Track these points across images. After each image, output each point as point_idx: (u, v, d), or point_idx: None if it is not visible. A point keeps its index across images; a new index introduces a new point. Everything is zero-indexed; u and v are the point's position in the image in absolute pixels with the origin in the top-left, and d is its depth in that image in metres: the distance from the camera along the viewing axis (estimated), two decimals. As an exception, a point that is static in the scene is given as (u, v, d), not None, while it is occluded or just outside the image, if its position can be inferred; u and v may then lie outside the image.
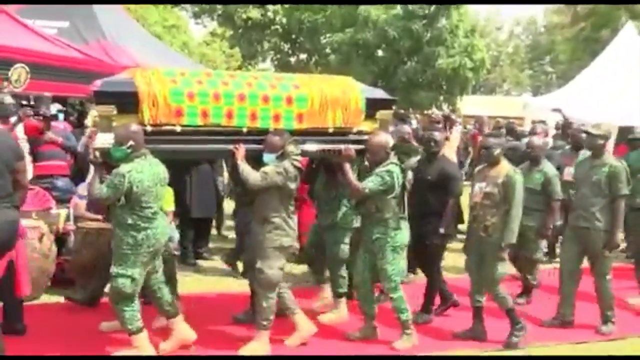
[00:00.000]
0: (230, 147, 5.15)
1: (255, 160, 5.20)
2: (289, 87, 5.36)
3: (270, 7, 27.62)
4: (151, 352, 4.97)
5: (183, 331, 5.19)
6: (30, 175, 6.78)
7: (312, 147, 5.34)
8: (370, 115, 5.61)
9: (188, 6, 28.97)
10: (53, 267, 6.26)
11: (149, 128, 4.85)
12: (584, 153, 6.33)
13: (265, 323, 5.23)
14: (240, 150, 5.15)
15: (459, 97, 23.18)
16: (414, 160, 5.90)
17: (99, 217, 6.22)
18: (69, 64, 8.70)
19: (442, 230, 5.93)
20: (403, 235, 5.49)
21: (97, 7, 10.97)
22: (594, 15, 27.17)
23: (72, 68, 7.96)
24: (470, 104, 23.42)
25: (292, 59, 29.07)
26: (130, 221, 4.75)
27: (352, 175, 5.42)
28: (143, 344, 4.95)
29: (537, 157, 6.71)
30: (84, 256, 5.95)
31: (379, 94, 5.94)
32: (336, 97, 5.44)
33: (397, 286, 5.49)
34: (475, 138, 11.44)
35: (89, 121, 5.21)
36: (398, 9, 23.24)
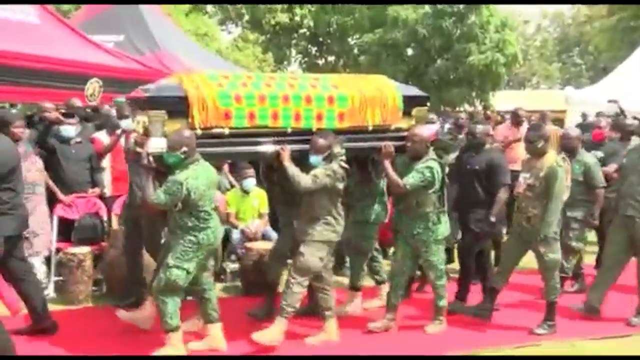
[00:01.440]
0: (277, 148, 5.27)
1: (299, 161, 5.33)
2: (329, 87, 5.54)
3: (297, 10, 27.81)
4: (183, 353, 5.05)
5: (217, 339, 5.28)
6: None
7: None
8: (406, 112, 5.77)
9: (213, 12, 29.24)
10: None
11: (199, 132, 4.97)
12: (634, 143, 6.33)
13: (288, 309, 5.27)
14: (287, 152, 5.26)
15: (491, 93, 23.11)
16: (452, 156, 6.07)
17: None
18: (132, 76, 9.01)
19: (492, 219, 6.06)
20: (443, 228, 5.69)
21: (148, 19, 11.38)
22: (632, 6, 26.92)
23: (135, 79, 8.25)
24: (503, 99, 23.30)
25: (320, 62, 29.26)
26: (190, 224, 4.94)
27: (392, 172, 5.56)
28: (178, 343, 5.05)
29: (575, 148, 6.67)
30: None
31: (414, 91, 6.09)
32: (374, 96, 5.62)
33: (442, 275, 5.74)
34: None
35: (133, 125, 5.28)
36: (427, 8, 23.28)
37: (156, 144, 4.91)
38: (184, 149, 4.85)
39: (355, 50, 26.27)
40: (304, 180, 5.21)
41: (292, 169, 5.22)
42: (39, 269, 6.29)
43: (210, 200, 5.04)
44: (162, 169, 4.97)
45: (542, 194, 5.62)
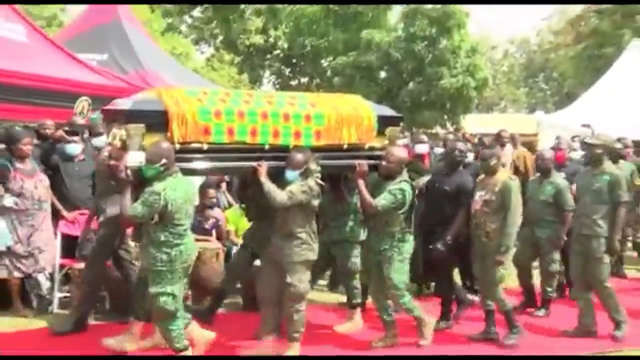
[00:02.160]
0: (254, 164, 5.31)
1: (275, 177, 5.38)
2: (306, 105, 5.63)
3: (272, 32, 27.99)
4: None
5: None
6: None
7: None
8: (380, 131, 5.88)
9: (187, 32, 29.25)
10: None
11: (177, 146, 4.99)
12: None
13: (296, 335, 5.44)
14: (263, 168, 5.30)
15: (462, 116, 23.48)
16: (424, 179, 6.19)
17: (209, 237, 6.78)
18: (119, 94, 9.06)
19: (448, 239, 6.15)
20: (408, 246, 5.80)
21: (132, 38, 11.51)
22: (597, 35, 27.82)
23: (119, 97, 8.41)
24: (473, 122, 23.68)
25: (293, 82, 29.47)
26: (163, 238, 4.88)
27: (366, 192, 5.64)
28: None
29: (548, 169, 6.87)
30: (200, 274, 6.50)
31: (388, 111, 6.22)
32: (350, 115, 5.72)
33: (403, 292, 5.77)
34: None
35: (109, 139, 5.27)
36: (400, 32, 23.65)
37: (135, 158, 4.91)
38: (163, 161, 4.85)
39: (329, 73, 26.48)
40: (280, 196, 5.27)
41: (269, 185, 5.27)
42: (44, 285, 6.41)
43: (186, 215, 5.01)
44: (141, 183, 4.96)
45: (499, 208, 5.84)
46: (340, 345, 5.90)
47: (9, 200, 6.19)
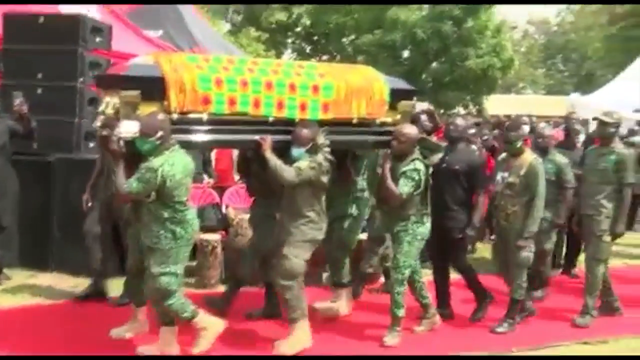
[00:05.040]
0: (257, 137, 5.00)
1: (280, 152, 5.07)
2: (315, 76, 5.29)
3: (295, 9, 27.63)
4: (220, 328, 4.89)
5: (168, 343, 4.89)
6: None
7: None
8: (392, 106, 5.54)
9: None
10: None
11: (175, 116, 4.66)
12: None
13: (295, 315, 5.06)
14: (268, 142, 4.98)
15: (484, 97, 23.11)
16: (437, 156, 5.87)
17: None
18: None
19: (476, 223, 5.85)
20: (423, 229, 5.45)
21: (186, 17, 11.73)
22: (634, 16, 27.35)
23: None
24: (498, 104, 23.28)
25: (314, 60, 29.14)
26: (166, 215, 4.57)
27: (391, 181, 5.28)
28: (206, 322, 4.84)
29: (547, 147, 6.63)
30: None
31: (402, 84, 5.87)
32: (360, 87, 5.39)
33: (403, 280, 5.40)
34: None
35: (103, 107, 4.89)
36: (426, 9, 23.24)
37: (128, 128, 4.54)
38: (160, 134, 4.51)
39: (350, 50, 26.11)
40: (288, 173, 4.95)
41: (275, 161, 4.94)
42: None
43: (186, 190, 4.69)
44: (134, 156, 4.61)
45: (523, 191, 5.62)
46: (344, 336, 5.55)
47: None
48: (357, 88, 5.36)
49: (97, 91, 5.22)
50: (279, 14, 27.48)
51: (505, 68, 22.74)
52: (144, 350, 4.91)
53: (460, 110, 22.82)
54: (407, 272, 5.40)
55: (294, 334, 5.08)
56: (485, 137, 9.20)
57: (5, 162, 6.56)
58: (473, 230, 5.83)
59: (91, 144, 7.18)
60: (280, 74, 5.15)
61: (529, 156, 5.74)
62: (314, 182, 5.06)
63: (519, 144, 5.73)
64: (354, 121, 5.40)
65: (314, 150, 5.08)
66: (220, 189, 8.11)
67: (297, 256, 5.07)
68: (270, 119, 5.08)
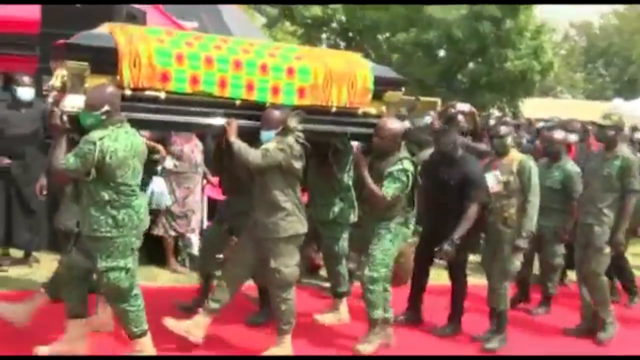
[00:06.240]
0: (222, 121, 4.54)
1: (249, 139, 4.59)
2: (290, 58, 4.79)
3: (332, 5, 27.28)
4: (154, 353, 4.40)
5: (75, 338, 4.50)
6: None
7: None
8: (377, 96, 5.02)
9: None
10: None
11: (128, 92, 4.21)
12: None
13: (286, 327, 4.74)
14: (233, 126, 4.53)
15: (521, 100, 22.38)
16: (427, 152, 5.34)
17: None
18: None
19: (456, 238, 5.21)
20: (408, 230, 5.05)
21: (222, 8, 11.78)
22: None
23: None
24: (533, 107, 22.46)
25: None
26: (107, 197, 4.06)
27: (370, 180, 4.82)
28: (146, 347, 4.36)
29: (557, 153, 6.23)
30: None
31: (389, 72, 5.34)
32: (342, 72, 4.86)
33: (378, 278, 4.91)
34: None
35: (54, 81, 4.44)
36: (466, 9, 22.58)
37: (73, 101, 4.10)
38: (106, 107, 4.02)
39: (385, 47, 25.54)
40: (253, 154, 4.49)
41: (238, 144, 4.49)
42: (195, 245, 6.82)
43: (133, 173, 4.16)
44: (80, 132, 4.14)
45: (517, 191, 5.28)
46: (331, 341, 5.21)
47: (169, 163, 6.70)
48: (337, 73, 4.84)
49: (51, 64, 4.76)
50: (314, 9, 27.07)
51: (544, 71, 22.01)
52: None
53: (495, 112, 22.07)
54: (383, 271, 4.93)
55: (280, 345, 4.76)
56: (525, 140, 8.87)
57: (36, 149, 6.40)
58: (450, 245, 5.17)
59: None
60: (251, 53, 4.66)
61: (516, 155, 5.43)
62: (285, 168, 4.57)
63: (509, 140, 5.37)
64: (333, 109, 4.89)
65: (284, 134, 4.61)
66: None
67: (287, 265, 4.66)
68: (238, 101, 4.60)
